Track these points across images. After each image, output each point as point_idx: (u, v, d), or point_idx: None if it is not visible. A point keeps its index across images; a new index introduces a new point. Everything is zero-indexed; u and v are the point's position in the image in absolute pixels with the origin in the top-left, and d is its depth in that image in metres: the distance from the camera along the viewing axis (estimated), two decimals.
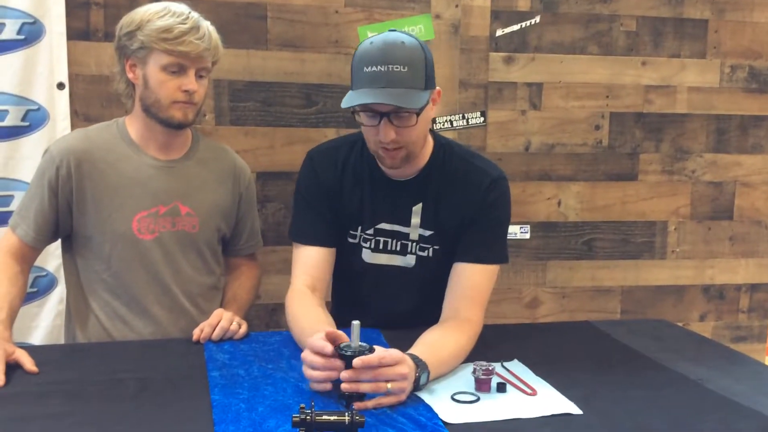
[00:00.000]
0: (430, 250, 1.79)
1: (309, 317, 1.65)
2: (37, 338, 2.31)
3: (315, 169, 1.81)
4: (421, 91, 1.60)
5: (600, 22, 2.65)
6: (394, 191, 1.78)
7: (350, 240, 1.82)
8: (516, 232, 2.68)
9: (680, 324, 2.51)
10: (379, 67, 1.56)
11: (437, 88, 1.68)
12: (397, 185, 1.78)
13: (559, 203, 2.73)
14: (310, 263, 1.79)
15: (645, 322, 2.17)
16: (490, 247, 1.76)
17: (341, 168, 1.80)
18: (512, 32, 2.59)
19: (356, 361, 1.33)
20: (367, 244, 1.81)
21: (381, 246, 1.81)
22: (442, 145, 1.80)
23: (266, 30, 2.42)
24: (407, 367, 1.37)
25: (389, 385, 1.34)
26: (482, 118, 2.60)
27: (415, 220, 1.78)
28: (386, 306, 1.84)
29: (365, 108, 1.61)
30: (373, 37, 1.64)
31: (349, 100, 1.60)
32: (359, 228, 1.81)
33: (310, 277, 1.78)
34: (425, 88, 1.61)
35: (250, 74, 2.43)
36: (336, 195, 1.80)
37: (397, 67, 1.56)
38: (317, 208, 1.80)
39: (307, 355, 1.40)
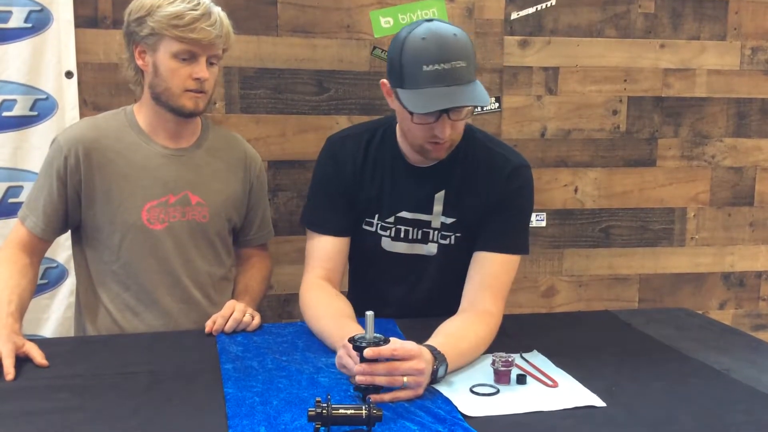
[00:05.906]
0: (452, 237, 1.76)
1: (329, 311, 1.63)
2: (48, 330, 2.30)
3: (335, 156, 1.78)
4: (477, 83, 1.56)
5: (617, 4, 2.60)
6: (417, 179, 1.75)
7: (366, 228, 1.79)
8: (532, 219, 2.63)
9: (700, 312, 2.47)
10: (441, 65, 1.51)
11: None
12: (420, 172, 1.74)
13: (575, 190, 2.68)
14: (325, 255, 1.76)
15: (666, 311, 2.13)
16: (511, 236, 1.72)
17: (362, 155, 1.76)
18: (528, 15, 2.54)
19: (367, 351, 1.30)
20: (387, 233, 1.78)
21: (402, 235, 1.77)
22: (464, 130, 1.75)
23: (277, 15, 2.38)
24: (423, 362, 1.34)
25: (405, 379, 1.31)
26: (497, 104, 2.55)
27: (438, 207, 1.75)
28: (404, 294, 1.82)
29: None
30: (415, 29, 1.56)
31: (420, 104, 1.53)
32: (376, 216, 1.77)
33: (324, 270, 1.75)
34: (475, 78, 1.58)
35: (260, 61, 2.39)
36: (355, 183, 1.76)
37: (458, 63, 1.52)
38: (333, 196, 1.77)
39: (346, 361, 1.36)
